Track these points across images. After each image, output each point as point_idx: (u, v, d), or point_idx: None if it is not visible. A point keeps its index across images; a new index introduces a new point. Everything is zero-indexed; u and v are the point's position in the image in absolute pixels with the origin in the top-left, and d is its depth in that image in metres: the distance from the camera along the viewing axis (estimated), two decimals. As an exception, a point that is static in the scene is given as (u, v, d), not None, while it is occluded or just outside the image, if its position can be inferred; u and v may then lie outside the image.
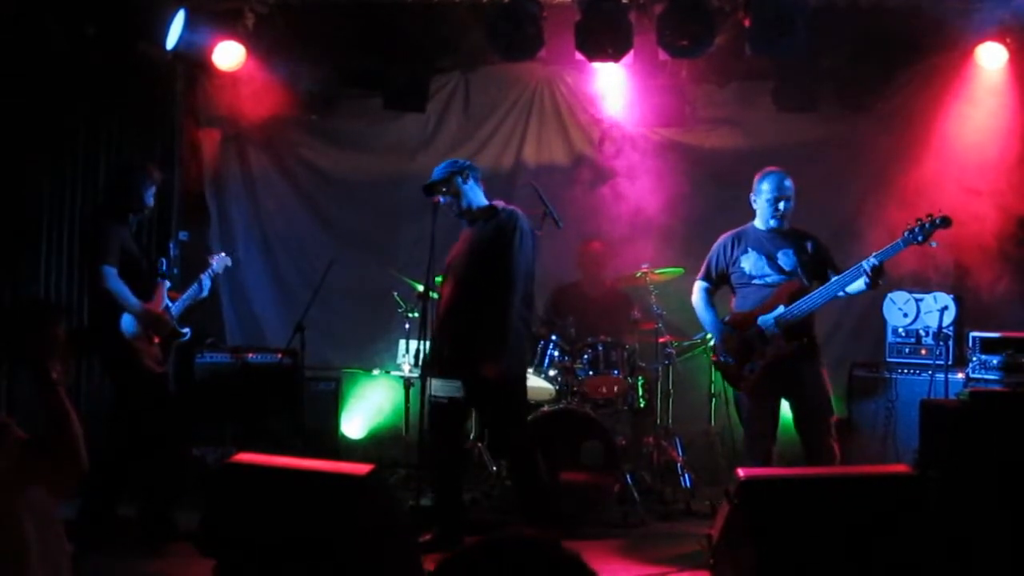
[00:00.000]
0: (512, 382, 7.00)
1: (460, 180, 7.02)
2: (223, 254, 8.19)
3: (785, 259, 7.09)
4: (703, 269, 7.50)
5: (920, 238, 6.64)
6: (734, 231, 7.40)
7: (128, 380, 7.21)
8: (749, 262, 7.20)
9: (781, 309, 6.98)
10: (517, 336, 6.97)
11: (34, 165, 8.86)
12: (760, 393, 7.13)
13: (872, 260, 6.69)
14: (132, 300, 7.13)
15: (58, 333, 3.90)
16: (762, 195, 7.21)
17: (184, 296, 7.63)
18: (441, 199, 6.94)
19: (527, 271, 6.98)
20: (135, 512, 7.24)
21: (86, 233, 7.79)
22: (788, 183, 7.17)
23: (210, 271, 7.90)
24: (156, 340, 7.28)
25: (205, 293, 7.84)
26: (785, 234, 7.20)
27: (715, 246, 7.46)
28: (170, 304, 7.45)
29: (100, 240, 7.23)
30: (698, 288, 7.49)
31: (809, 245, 7.16)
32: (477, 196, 7.07)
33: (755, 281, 7.18)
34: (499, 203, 7.09)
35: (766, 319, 7.03)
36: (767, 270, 7.14)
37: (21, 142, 8.66)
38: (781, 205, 7.15)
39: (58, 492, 3.89)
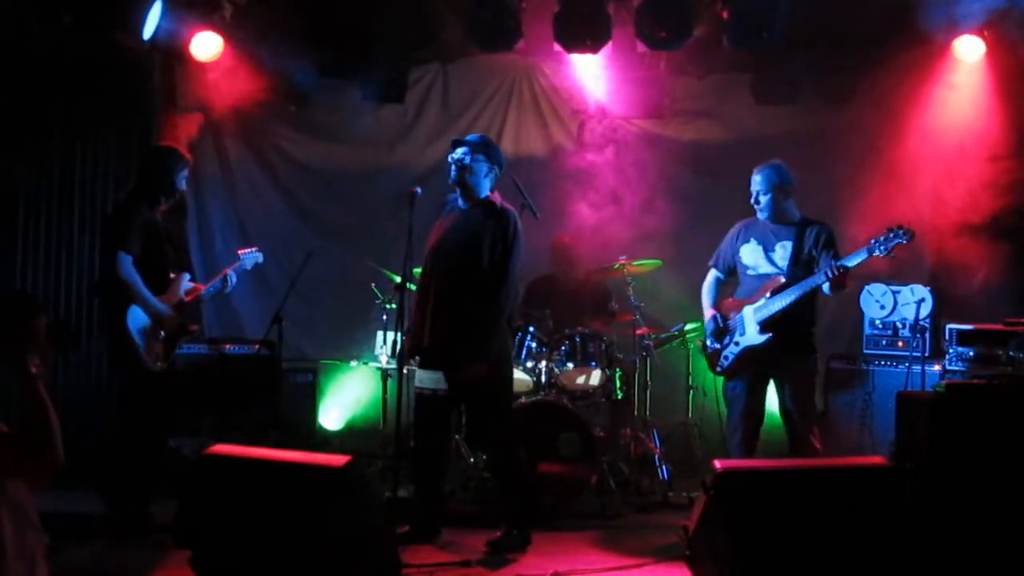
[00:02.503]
0: (499, 379, 6.95)
1: (486, 166, 6.90)
2: (255, 249, 7.96)
3: (782, 251, 7.13)
4: (713, 257, 7.59)
5: (880, 250, 6.71)
6: (745, 221, 7.46)
7: (127, 375, 7.13)
8: (748, 252, 7.28)
9: (762, 302, 7.03)
10: (503, 335, 6.95)
11: (9, 156, 8.81)
12: (736, 381, 7.24)
13: (832, 267, 6.74)
14: (144, 292, 6.98)
15: (38, 326, 3.87)
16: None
17: (203, 291, 7.49)
18: (418, 190, 6.90)
19: (519, 273, 6.98)
20: (105, 504, 7.22)
21: (109, 217, 7.64)
22: (754, 178, 7.24)
23: (240, 266, 7.78)
24: (161, 335, 7.13)
25: (230, 289, 7.69)
26: (791, 225, 7.22)
27: (726, 235, 7.54)
28: (183, 299, 7.32)
29: (122, 225, 7.04)
30: (709, 275, 7.60)
31: (811, 237, 7.14)
32: (484, 186, 6.97)
33: (749, 272, 7.27)
34: (496, 197, 7.01)
35: (748, 310, 7.10)
36: (761, 261, 7.20)
37: (-4, 132, 8.64)
38: (752, 200, 7.24)
39: (34, 485, 3.87)
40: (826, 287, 6.84)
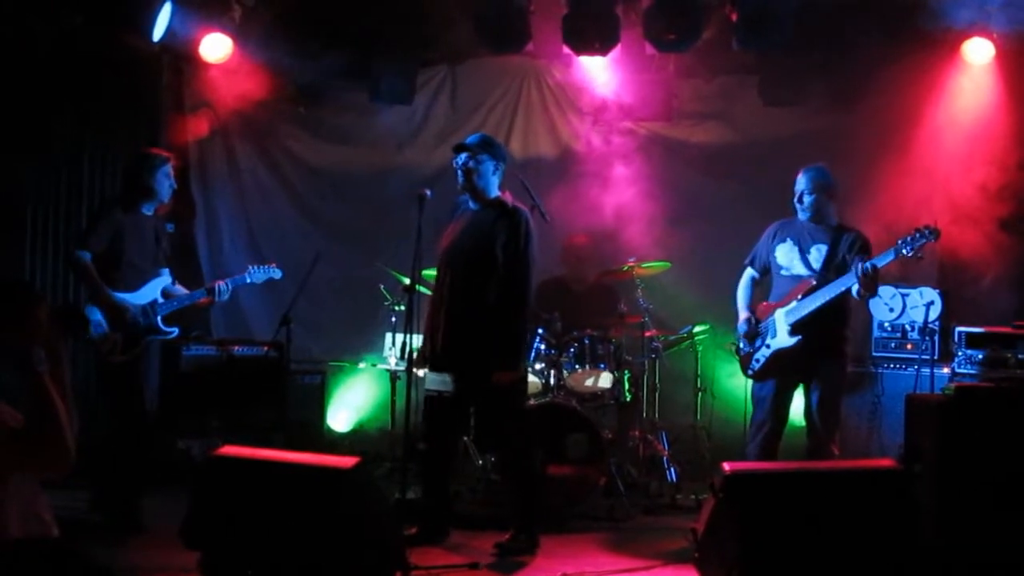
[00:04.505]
0: (515, 384, 6.95)
1: (492, 164, 6.90)
2: (273, 265, 8.04)
3: (816, 254, 7.15)
4: (749, 256, 7.61)
5: (908, 250, 6.69)
6: (781, 221, 7.48)
7: (96, 368, 7.22)
8: (783, 253, 7.30)
9: (793, 304, 7.06)
10: (527, 339, 6.98)
11: (19, 155, 8.83)
12: (764, 382, 7.25)
13: (861, 268, 6.72)
14: (97, 286, 7.14)
15: (40, 317, 3.76)
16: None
17: (184, 295, 7.53)
18: (427, 192, 6.89)
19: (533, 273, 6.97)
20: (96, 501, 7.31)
21: None
22: (799, 178, 7.25)
23: (240, 278, 7.81)
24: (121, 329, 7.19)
25: (221, 299, 7.67)
26: (827, 228, 7.23)
27: (763, 234, 7.55)
28: (159, 300, 7.37)
29: (86, 226, 7.34)
30: (744, 274, 7.62)
31: (846, 242, 7.14)
32: (492, 185, 6.99)
33: (783, 272, 7.29)
34: (507, 197, 7.01)
35: (779, 312, 7.14)
36: (795, 263, 7.23)
37: (5, 132, 8.63)
38: (795, 200, 7.24)
39: (45, 479, 3.83)
40: (855, 290, 6.84)
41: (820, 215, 7.21)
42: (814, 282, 7.04)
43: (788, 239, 7.30)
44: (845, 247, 7.12)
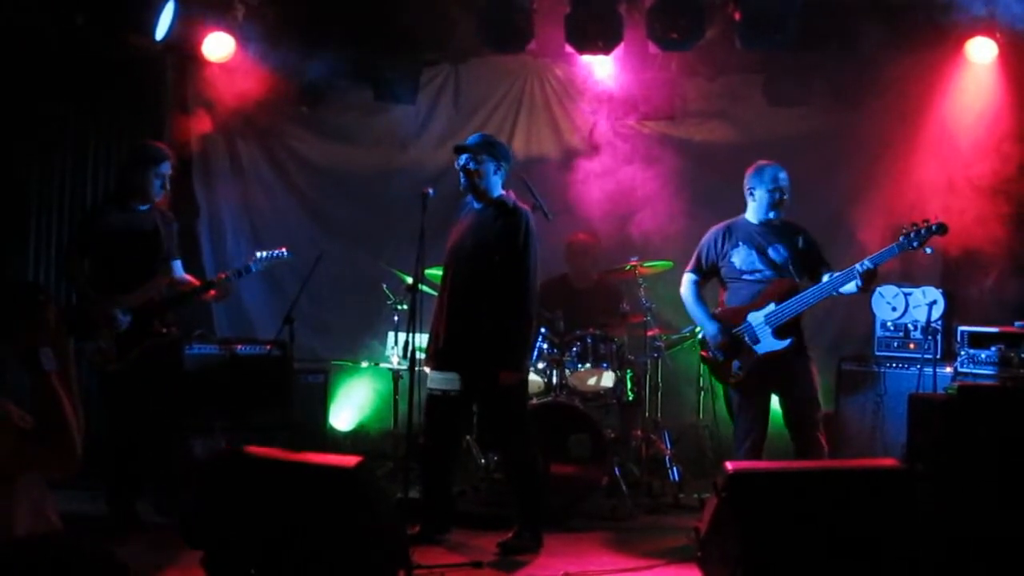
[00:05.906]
0: (518, 383, 6.96)
1: (493, 164, 6.93)
2: (283, 250, 7.95)
3: (776, 254, 7.07)
4: (692, 262, 7.47)
5: (915, 244, 6.66)
6: (724, 224, 7.37)
7: (95, 374, 7.21)
8: (739, 256, 7.18)
9: (772, 307, 6.98)
10: (531, 341, 6.99)
11: (23, 156, 8.84)
12: (749, 389, 7.15)
13: (866, 263, 6.70)
14: (82, 292, 7.15)
15: (48, 317, 3.74)
16: (759, 188, 7.18)
17: (185, 292, 7.52)
18: (430, 191, 6.90)
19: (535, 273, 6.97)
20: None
21: None
22: (783, 175, 7.17)
23: (248, 266, 7.77)
24: (112, 335, 7.15)
25: (228, 285, 7.65)
26: (777, 228, 7.18)
27: (705, 239, 7.44)
28: (155, 301, 7.34)
29: (78, 230, 7.37)
30: (687, 281, 7.47)
31: (800, 240, 7.13)
32: (496, 185, 7.01)
33: (745, 276, 7.17)
34: (510, 197, 7.03)
35: (756, 316, 7.03)
36: (758, 265, 7.12)
37: (9, 133, 8.64)
38: (778, 196, 7.14)
39: (52, 478, 3.83)
40: (851, 287, 6.81)
41: (782, 214, 7.20)
42: (793, 281, 7.00)
43: (740, 243, 7.21)
44: (800, 244, 7.12)
